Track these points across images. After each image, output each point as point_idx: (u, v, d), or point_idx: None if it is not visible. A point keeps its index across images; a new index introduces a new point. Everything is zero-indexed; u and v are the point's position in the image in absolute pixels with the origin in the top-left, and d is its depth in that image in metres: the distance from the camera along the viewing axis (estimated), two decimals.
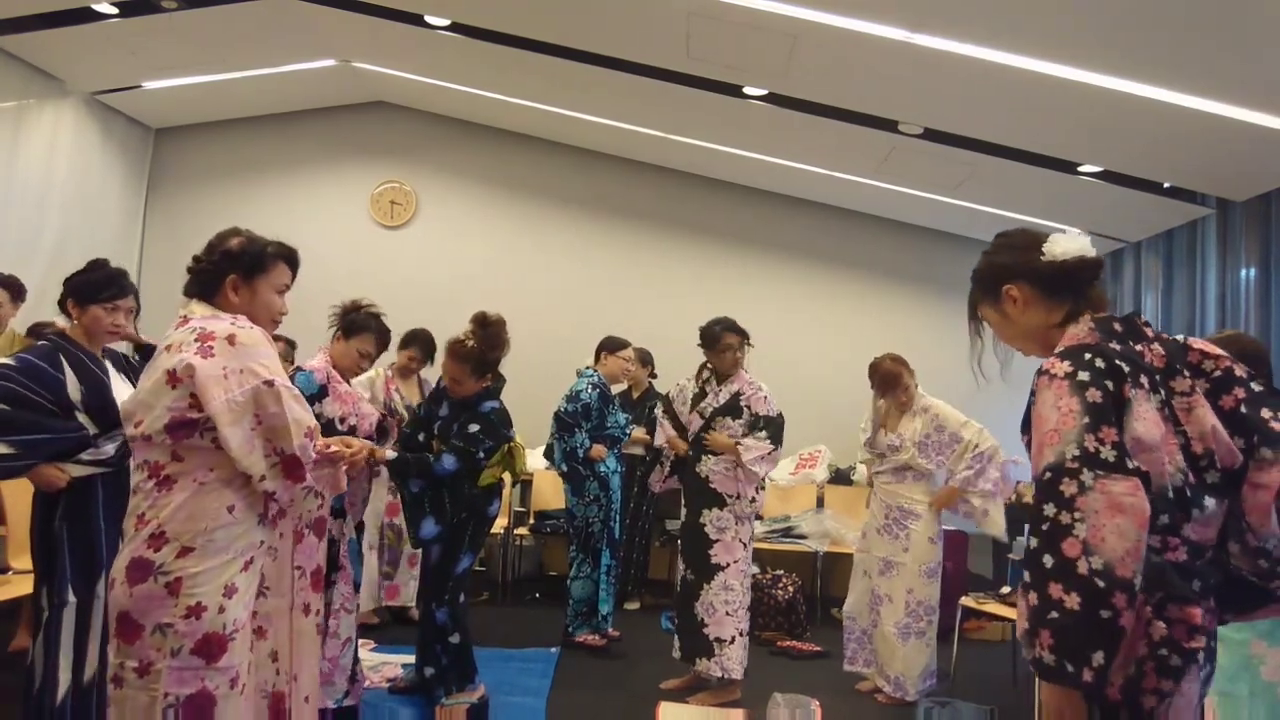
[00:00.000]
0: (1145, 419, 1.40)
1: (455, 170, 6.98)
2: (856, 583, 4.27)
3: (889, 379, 4.15)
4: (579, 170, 6.93)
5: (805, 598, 5.26)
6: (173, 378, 1.92)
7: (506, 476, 3.79)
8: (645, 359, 5.69)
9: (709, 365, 4.11)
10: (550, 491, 5.91)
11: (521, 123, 6.71)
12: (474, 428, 3.44)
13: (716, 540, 3.92)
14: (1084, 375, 1.41)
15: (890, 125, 4.89)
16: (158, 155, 6.91)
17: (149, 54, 5.53)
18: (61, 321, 2.92)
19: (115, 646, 1.89)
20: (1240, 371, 1.52)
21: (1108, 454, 1.35)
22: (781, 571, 5.31)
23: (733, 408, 4.01)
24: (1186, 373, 1.50)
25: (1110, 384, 1.40)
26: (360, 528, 3.43)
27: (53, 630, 2.65)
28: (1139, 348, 1.51)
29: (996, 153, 4.87)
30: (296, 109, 6.89)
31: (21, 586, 3.26)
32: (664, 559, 5.87)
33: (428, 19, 4.94)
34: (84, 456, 2.70)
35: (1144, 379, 1.44)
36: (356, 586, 3.36)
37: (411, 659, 3.90)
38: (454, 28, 5.00)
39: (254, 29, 5.33)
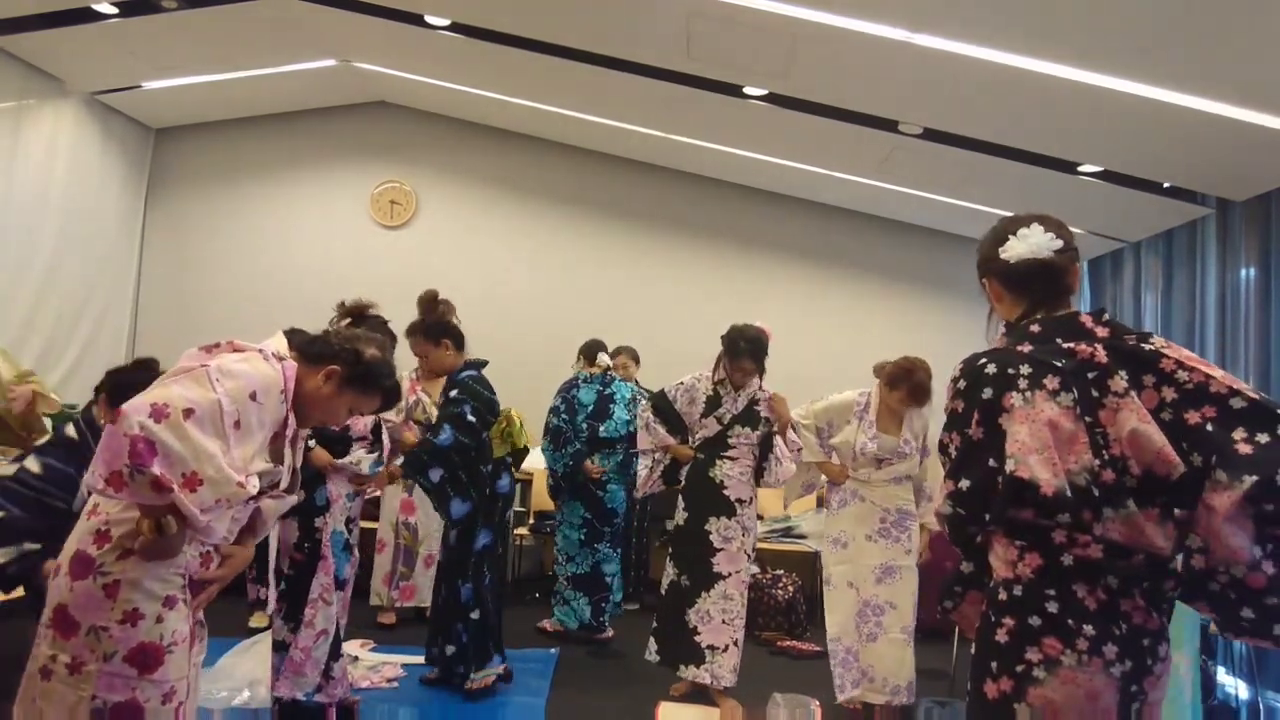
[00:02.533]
0: (1031, 421, 1.49)
1: (455, 170, 6.98)
2: (841, 599, 3.77)
3: (922, 391, 3.77)
4: (579, 170, 6.93)
5: (805, 598, 5.26)
6: None
7: (515, 474, 3.86)
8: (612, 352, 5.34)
9: (724, 369, 3.94)
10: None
11: (521, 123, 6.70)
12: (453, 393, 3.63)
13: (721, 549, 3.83)
14: (963, 384, 1.59)
15: (890, 125, 4.88)
16: (158, 155, 6.90)
17: (149, 54, 5.53)
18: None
19: (50, 638, 1.79)
20: (1218, 388, 1.47)
21: (952, 451, 1.61)
22: (781, 571, 5.31)
23: (750, 416, 3.91)
24: (1124, 374, 1.51)
25: (990, 391, 1.54)
26: (350, 522, 3.39)
27: None
28: (1072, 345, 1.54)
29: (996, 153, 4.86)
30: (296, 109, 6.88)
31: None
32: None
33: (428, 19, 4.94)
34: None
35: (1050, 380, 1.51)
36: (340, 582, 3.29)
37: (412, 659, 3.90)
38: (454, 28, 5.00)
39: (254, 29, 5.33)
